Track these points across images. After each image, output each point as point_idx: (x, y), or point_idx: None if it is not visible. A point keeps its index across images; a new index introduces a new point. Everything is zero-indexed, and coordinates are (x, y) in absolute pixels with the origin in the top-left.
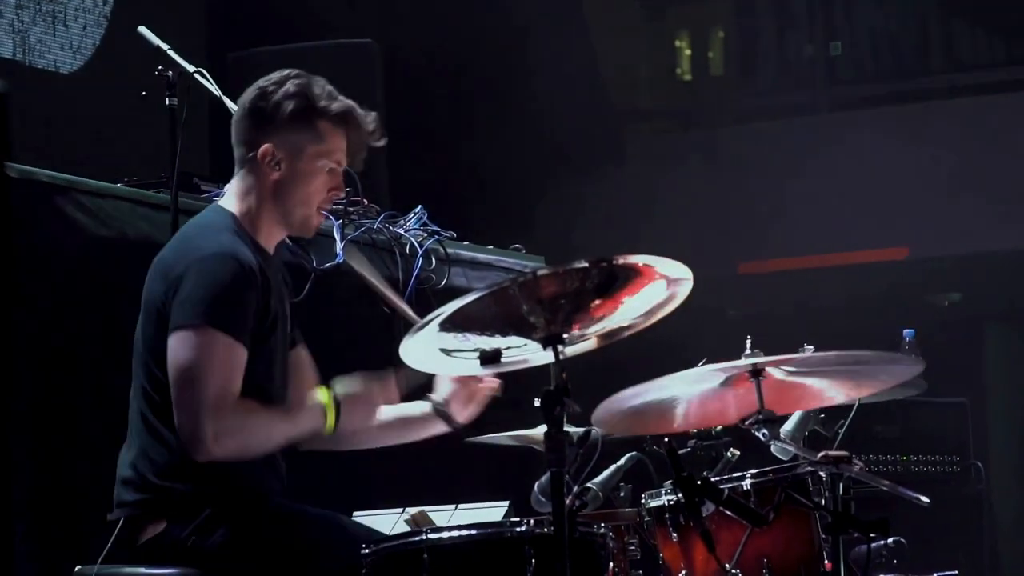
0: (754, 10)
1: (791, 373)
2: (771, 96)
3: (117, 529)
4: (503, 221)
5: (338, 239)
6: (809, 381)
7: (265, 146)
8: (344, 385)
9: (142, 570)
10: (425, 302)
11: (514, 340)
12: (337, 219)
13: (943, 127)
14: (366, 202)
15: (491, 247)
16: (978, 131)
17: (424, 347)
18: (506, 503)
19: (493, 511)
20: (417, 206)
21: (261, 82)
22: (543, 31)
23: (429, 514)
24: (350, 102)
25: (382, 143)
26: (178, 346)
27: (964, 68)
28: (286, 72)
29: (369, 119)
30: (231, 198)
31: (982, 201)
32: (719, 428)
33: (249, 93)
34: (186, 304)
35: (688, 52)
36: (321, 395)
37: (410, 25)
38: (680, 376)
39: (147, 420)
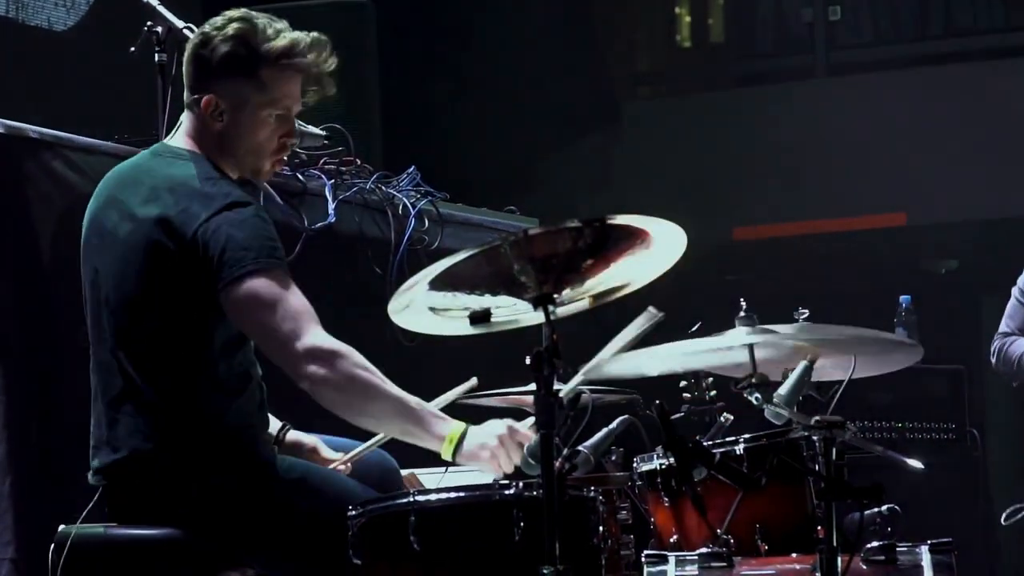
0: None
1: (785, 337)
2: (769, 61)
3: (99, 491)
4: (499, 184)
5: (330, 199)
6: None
7: (207, 96)
8: (482, 434)
9: (124, 530)
10: (417, 262)
11: (504, 300)
12: (329, 179)
13: (942, 93)
14: (359, 162)
15: (485, 208)
16: (977, 97)
17: (413, 305)
18: None
19: (484, 474)
20: (410, 166)
21: (205, 26)
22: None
23: (419, 476)
24: (294, 36)
25: (332, 66)
26: (249, 295)
27: (963, 33)
28: (229, 14)
29: (318, 50)
30: (184, 137)
31: (981, 168)
32: (713, 393)
33: (194, 37)
34: (237, 254)
35: (688, 19)
36: (452, 432)
37: None
38: (673, 347)
39: (128, 376)
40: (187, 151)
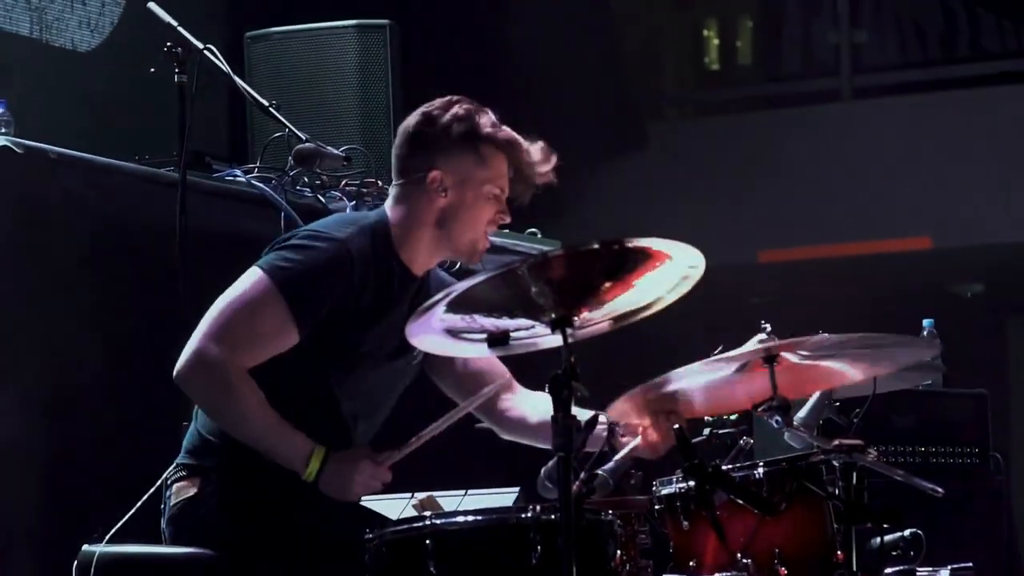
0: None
1: (806, 357)
2: (795, 83)
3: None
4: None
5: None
6: (824, 363)
7: (435, 172)
8: (336, 465)
9: (147, 549)
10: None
11: (523, 322)
12: (351, 200)
13: (967, 116)
14: (380, 183)
15: (506, 231)
16: (1002, 121)
17: (431, 328)
18: (516, 489)
19: (503, 497)
20: None
21: (425, 107)
22: (565, 18)
23: (438, 499)
24: (514, 133)
25: (549, 173)
26: (237, 282)
27: (989, 57)
28: (450, 98)
29: (535, 149)
30: (387, 209)
31: (1006, 191)
32: (735, 416)
33: (413, 118)
34: (270, 255)
35: (716, 42)
36: (313, 457)
37: (431, 5)
38: (694, 367)
39: None
40: (374, 218)
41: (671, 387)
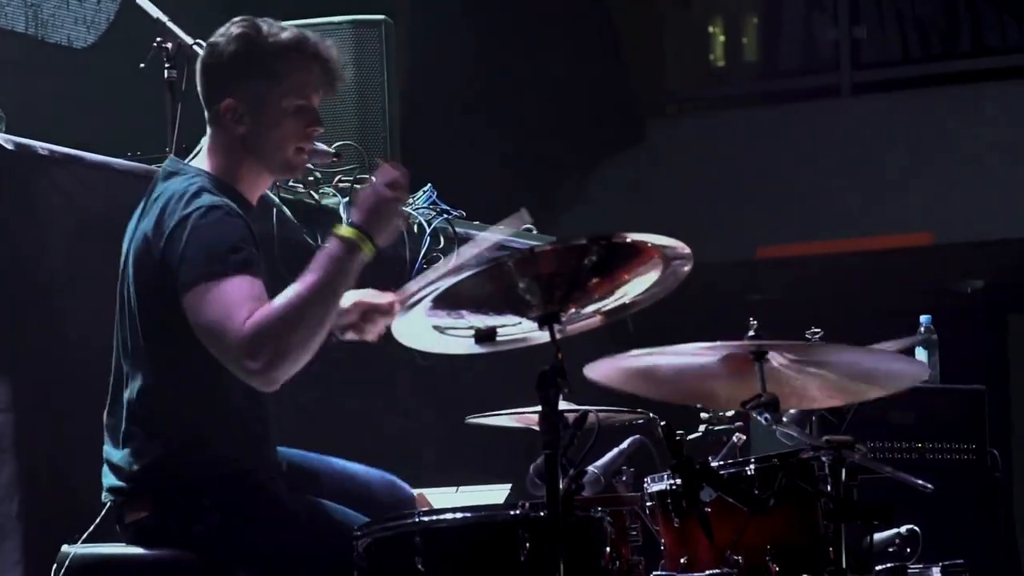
0: None
1: (794, 362)
2: (795, 79)
3: (103, 511)
4: (521, 202)
5: (344, 217)
6: (812, 372)
7: (225, 102)
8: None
9: (125, 550)
10: None
11: (510, 318)
12: (344, 196)
13: (969, 111)
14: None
15: (502, 227)
16: (1003, 117)
17: (418, 324)
18: (507, 486)
19: (495, 494)
20: (427, 184)
21: (212, 37)
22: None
23: (429, 496)
24: (299, 31)
25: (338, 60)
26: (196, 302)
27: (991, 52)
28: (231, 22)
29: (326, 44)
30: (204, 156)
31: (1008, 187)
32: (731, 412)
33: (203, 52)
34: (192, 261)
35: (722, 38)
36: (337, 230)
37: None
38: (683, 347)
39: (132, 403)
40: (198, 169)
41: (653, 361)
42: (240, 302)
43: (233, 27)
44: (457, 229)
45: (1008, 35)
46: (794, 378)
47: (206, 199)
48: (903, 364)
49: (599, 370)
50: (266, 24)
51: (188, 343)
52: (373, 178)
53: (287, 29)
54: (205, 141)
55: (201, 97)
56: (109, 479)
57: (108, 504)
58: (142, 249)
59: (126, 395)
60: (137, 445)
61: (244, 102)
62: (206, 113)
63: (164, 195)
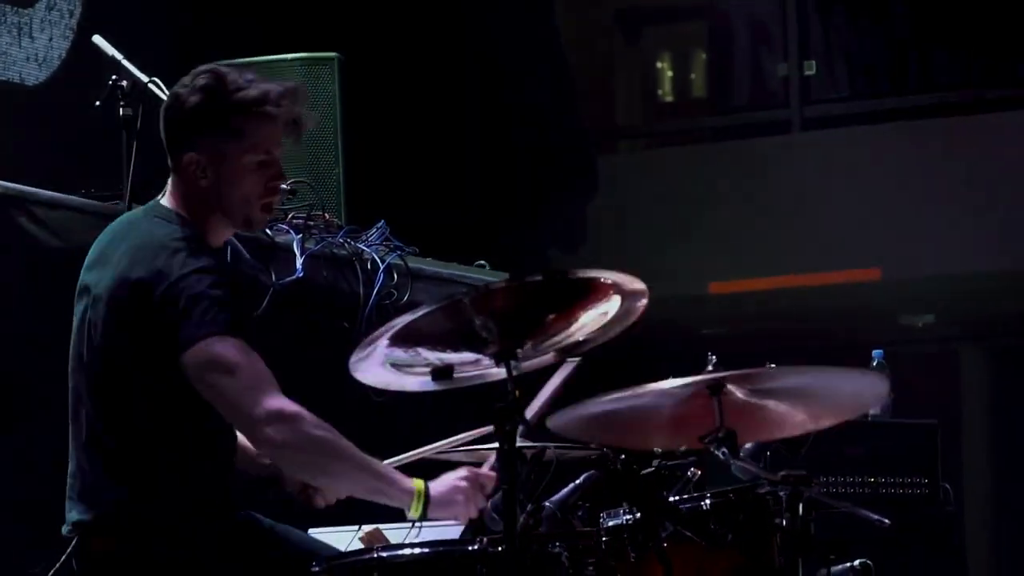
0: (729, 30)
1: (751, 393)
2: (745, 115)
3: (71, 546)
4: (471, 238)
5: (298, 253)
6: (770, 403)
7: (188, 155)
8: (447, 481)
9: None
10: (386, 317)
11: (467, 355)
12: (298, 233)
13: (916, 147)
14: (327, 216)
15: (455, 263)
16: (952, 152)
17: (375, 362)
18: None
19: (452, 529)
20: (379, 220)
21: (176, 87)
22: (513, 48)
23: (386, 532)
24: (265, 85)
25: (304, 112)
26: (207, 359)
27: (939, 88)
28: (196, 71)
29: (292, 96)
30: (171, 198)
31: (956, 222)
32: (683, 448)
33: (166, 100)
34: (196, 319)
35: (670, 74)
36: (415, 483)
37: (376, 38)
38: (640, 390)
39: (100, 431)
40: (175, 213)
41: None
42: (263, 374)
43: (198, 78)
44: (411, 265)
45: (955, 71)
46: (754, 409)
47: (192, 247)
48: (863, 382)
49: (559, 421)
50: (231, 75)
51: (165, 387)
52: (489, 468)
53: (252, 83)
54: (169, 185)
55: (164, 144)
56: (72, 514)
57: (73, 540)
58: (128, 291)
59: (85, 434)
60: (100, 482)
61: (206, 156)
62: (169, 160)
63: (150, 238)
